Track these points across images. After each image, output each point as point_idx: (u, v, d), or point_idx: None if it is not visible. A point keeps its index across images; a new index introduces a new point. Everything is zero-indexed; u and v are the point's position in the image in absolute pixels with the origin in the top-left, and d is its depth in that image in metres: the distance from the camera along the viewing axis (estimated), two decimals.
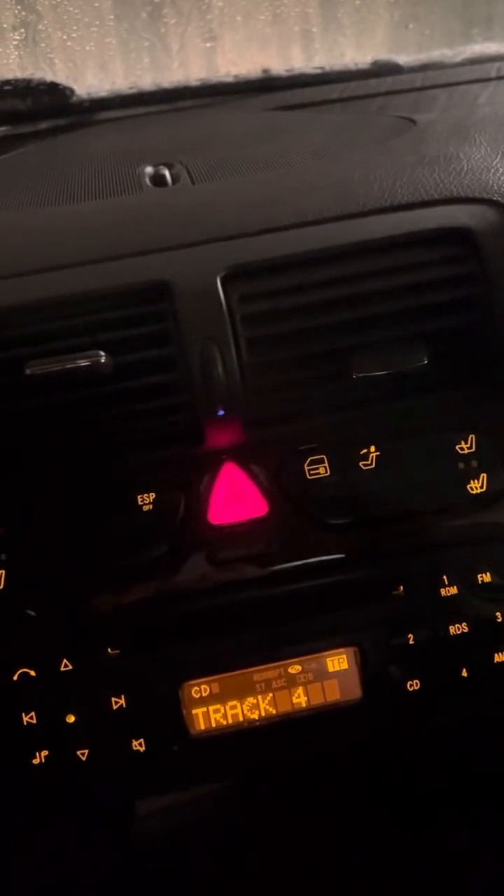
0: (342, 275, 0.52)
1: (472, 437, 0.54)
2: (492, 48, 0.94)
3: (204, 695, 0.53)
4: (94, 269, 0.53)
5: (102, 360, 0.49)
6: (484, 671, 0.54)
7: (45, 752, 0.51)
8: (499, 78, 0.84)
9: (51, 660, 0.52)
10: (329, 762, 0.58)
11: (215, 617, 0.53)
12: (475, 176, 0.57)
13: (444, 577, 0.54)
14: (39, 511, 0.52)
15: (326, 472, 0.53)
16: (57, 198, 0.64)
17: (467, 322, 0.52)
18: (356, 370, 0.52)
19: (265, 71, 0.93)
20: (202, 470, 0.53)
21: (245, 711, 0.53)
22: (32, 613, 0.52)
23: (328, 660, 0.53)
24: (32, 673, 0.52)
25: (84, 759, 0.51)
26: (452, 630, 0.53)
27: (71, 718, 0.51)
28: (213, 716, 0.53)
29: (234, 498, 0.53)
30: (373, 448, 0.53)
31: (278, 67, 0.93)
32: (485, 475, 0.54)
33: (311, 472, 0.53)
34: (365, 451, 0.53)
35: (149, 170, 0.67)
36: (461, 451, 0.54)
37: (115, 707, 0.52)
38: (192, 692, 0.53)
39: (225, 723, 0.53)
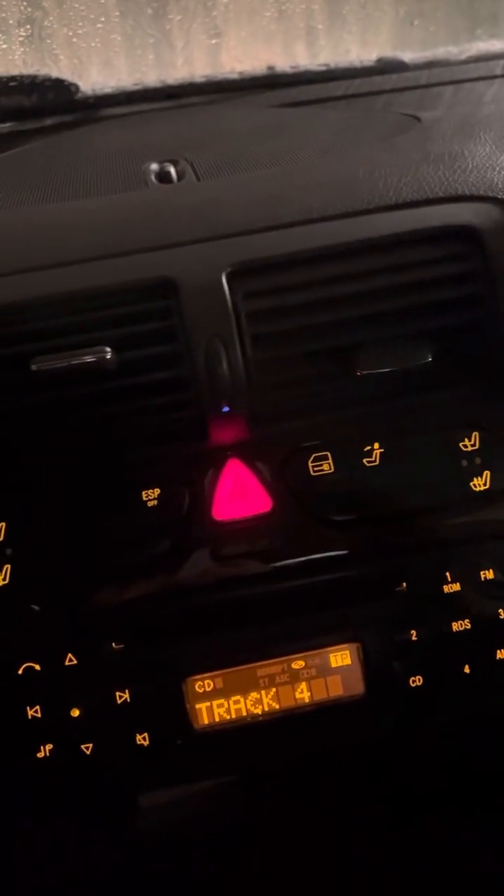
0: (347, 272, 0.52)
1: (475, 434, 0.54)
2: (497, 46, 0.95)
3: (207, 689, 0.53)
4: (100, 265, 0.53)
5: (108, 357, 0.50)
6: (486, 668, 0.54)
7: (49, 746, 0.52)
8: None
9: (55, 654, 0.52)
10: (331, 757, 0.59)
11: (219, 612, 0.54)
12: (480, 174, 0.57)
13: (448, 573, 0.54)
14: (44, 506, 0.52)
15: (330, 468, 0.53)
16: (62, 194, 0.64)
17: (472, 319, 0.53)
18: (360, 367, 0.52)
19: (270, 68, 0.93)
20: (206, 466, 0.53)
21: (248, 706, 0.53)
22: (37, 608, 0.52)
23: (331, 655, 0.54)
24: (37, 667, 0.52)
25: (88, 752, 0.52)
26: (455, 627, 0.54)
27: (75, 712, 0.52)
28: (216, 710, 0.53)
29: (239, 494, 0.53)
30: (377, 445, 0.54)
31: (283, 64, 0.93)
32: (488, 473, 0.54)
33: (315, 468, 0.53)
34: (369, 448, 0.54)
35: (154, 166, 0.67)
36: (465, 449, 0.54)
37: (119, 701, 0.52)
38: (196, 687, 0.53)
39: (228, 717, 0.53)
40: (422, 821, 0.62)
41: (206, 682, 0.53)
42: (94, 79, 0.94)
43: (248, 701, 0.53)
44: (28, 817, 0.57)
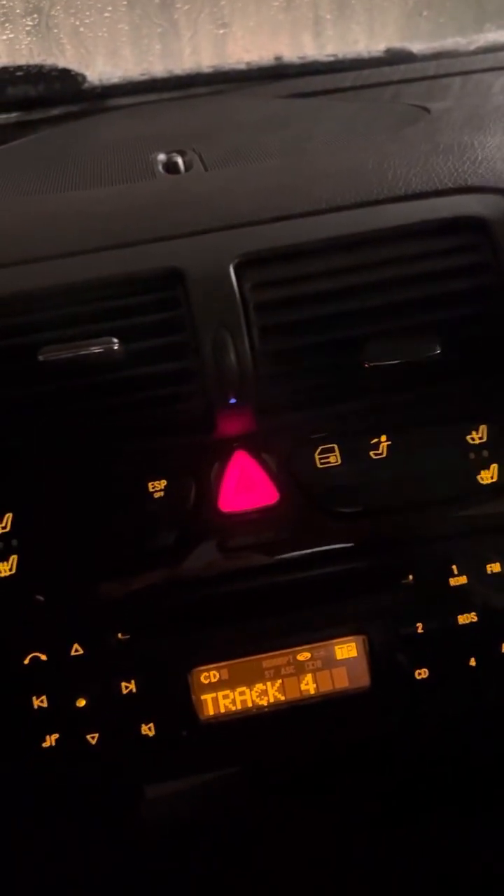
0: (355, 263, 0.52)
1: (483, 427, 0.54)
2: None
3: (213, 680, 0.53)
4: (107, 255, 0.53)
5: (115, 347, 0.50)
6: (492, 661, 0.54)
7: (55, 736, 0.52)
8: None
9: (62, 645, 0.52)
10: (336, 750, 0.59)
11: (225, 604, 0.54)
12: (490, 165, 0.57)
13: (454, 566, 0.54)
14: (50, 497, 0.52)
15: (337, 460, 0.53)
16: (69, 184, 0.64)
17: (480, 311, 0.52)
18: (368, 359, 0.52)
19: (278, 58, 0.92)
20: (213, 458, 0.53)
21: (254, 698, 0.53)
22: (43, 598, 0.52)
23: (337, 648, 0.54)
24: (43, 657, 0.52)
25: (94, 743, 0.52)
26: (461, 620, 0.53)
27: (81, 703, 0.52)
28: (221, 701, 0.53)
29: (245, 486, 0.53)
30: (384, 437, 0.53)
31: (291, 55, 0.92)
32: (496, 466, 0.54)
33: (322, 460, 0.53)
34: (376, 440, 0.53)
35: (161, 157, 0.67)
36: (472, 442, 0.54)
37: (125, 692, 0.52)
38: (202, 678, 0.53)
39: (234, 708, 0.53)
40: (426, 815, 0.62)
41: (211, 673, 0.53)
42: (100, 69, 0.93)
43: (253, 692, 0.53)
44: (33, 807, 0.57)
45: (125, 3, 1.01)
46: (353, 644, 0.54)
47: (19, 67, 0.87)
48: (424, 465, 0.54)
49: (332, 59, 0.91)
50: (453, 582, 0.54)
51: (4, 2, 0.98)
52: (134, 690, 0.52)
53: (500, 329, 0.53)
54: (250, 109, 0.80)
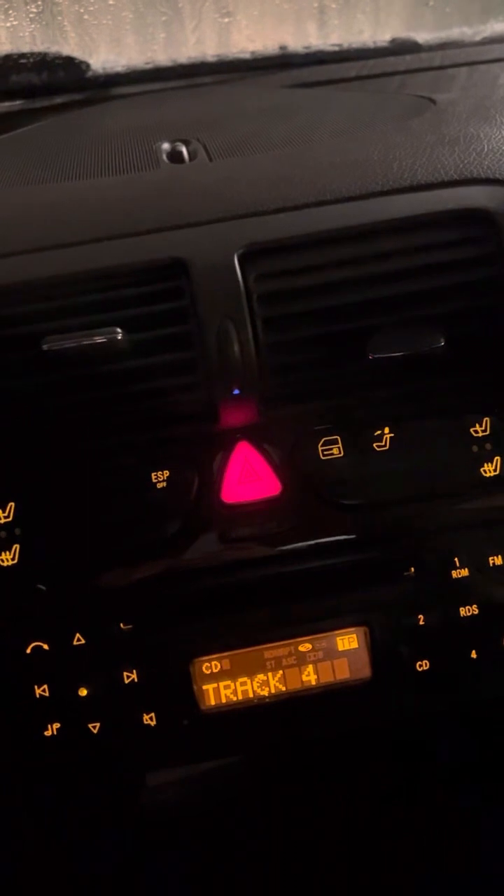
0: (360, 254, 0.52)
1: (486, 420, 0.54)
2: None
3: (214, 671, 0.53)
4: (111, 245, 0.53)
5: (119, 338, 0.50)
6: (493, 653, 0.54)
7: (56, 725, 0.52)
8: None
9: (64, 634, 0.52)
10: (337, 740, 0.59)
11: (227, 594, 0.54)
12: (496, 157, 0.56)
13: (456, 559, 0.54)
14: (53, 486, 0.52)
15: (340, 452, 0.53)
16: (73, 173, 0.64)
17: (485, 304, 0.52)
18: (372, 351, 0.51)
19: (282, 48, 0.92)
20: (216, 449, 0.53)
21: (255, 688, 0.53)
22: (45, 588, 0.52)
23: (338, 639, 0.54)
24: (45, 646, 0.52)
25: (95, 732, 0.52)
26: (463, 612, 0.54)
27: (83, 692, 0.52)
28: (223, 692, 0.53)
29: (248, 477, 0.53)
30: (387, 430, 0.53)
31: (295, 44, 0.92)
32: (499, 458, 0.53)
33: (325, 452, 0.53)
34: (379, 432, 0.53)
35: (165, 146, 0.67)
36: (476, 434, 0.54)
37: (126, 681, 0.52)
38: (203, 668, 0.53)
39: (235, 699, 0.53)
40: (425, 804, 0.63)
41: (213, 663, 0.53)
42: (104, 57, 0.92)
43: (254, 683, 0.53)
44: (34, 795, 0.57)
45: None
46: (355, 635, 0.54)
47: (23, 55, 0.87)
48: (427, 457, 0.53)
49: (336, 48, 0.90)
50: (455, 574, 0.54)
51: None
52: (136, 680, 0.52)
53: None
54: (255, 99, 0.80)
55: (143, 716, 0.52)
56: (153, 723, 0.52)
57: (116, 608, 0.53)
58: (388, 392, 0.54)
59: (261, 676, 0.53)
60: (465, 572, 0.54)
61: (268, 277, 0.51)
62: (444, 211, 0.53)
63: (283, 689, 0.53)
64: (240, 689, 0.53)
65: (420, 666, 0.54)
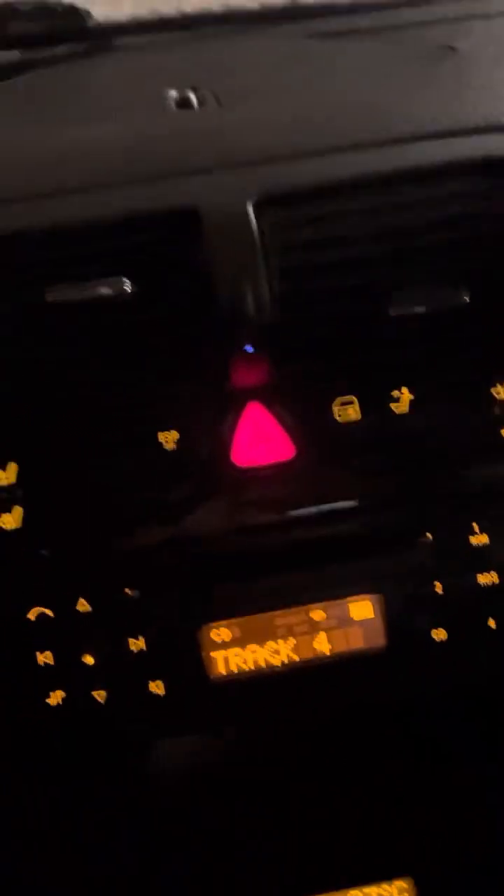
0: (380, 204, 0.49)
1: None
2: None
3: (224, 638, 0.52)
4: (117, 192, 0.50)
5: (126, 289, 0.47)
6: None
7: (61, 693, 0.51)
8: None
9: (68, 600, 0.51)
10: (350, 710, 0.58)
11: (237, 560, 0.52)
12: None
13: (475, 524, 0.52)
14: (57, 447, 0.50)
15: (356, 414, 0.51)
16: (77, 119, 0.61)
17: None
18: (393, 307, 0.49)
19: None
20: (227, 409, 0.51)
21: (266, 656, 0.52)
22: (49, 552, 0.51)
23: (352, 606, 0.52)
24: (49, 613, 0.51)
25: (101, 700, 0.51)
26: (481, 580, 0.52)
27: (89, 659, 0.50)
28: (232, 659, 0.52)
29: (260, 439, 0.51)
30: (405, 391, 0.51)
31: None
32: None
33: (341, 413, 0.51)
34: (397, 393, 0.51)
35: (173, 93, 0.64)
36: (498, 396, 0.52)
37: (133, 648, 0.51)
38: (212, 635, 0.51)
39: (245, 667, 0.52)
40: (440, 776, 0.62)
41: (222, 630, 0.52)
42: (106, 6, 0.89)
43: (265, 651, 0.52)
44: (38, 763, 0.56)
45: None
46: (369, 603, 0.52)
47: (21, 2, 0.83)
48: (447, 419, 0.52)
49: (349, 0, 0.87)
50: (474, 541, 0.52)
51: None
52: (143, 648, 0.51)
53: None
54: (266, 49, 0.77)
55: (150, 684, 0.51)
56: (161, 691, 0.51)
57: (122, 574, 0.51)
58: (407, 352, 0.52)
59: (271, 644, 0.52)
60: (484, 538, 0.52)
61: (284, 227, 0.49)
62: (469, 159, 0.50)
63: (295, 657, 0.52)
64: (250, 657, 0.52)
65: (436, 635, 0.52)
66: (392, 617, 0.52)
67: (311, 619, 0.52)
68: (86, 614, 0.51)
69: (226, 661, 0.52)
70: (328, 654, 0.52)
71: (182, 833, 0.60)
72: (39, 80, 0.73)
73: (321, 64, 0.69)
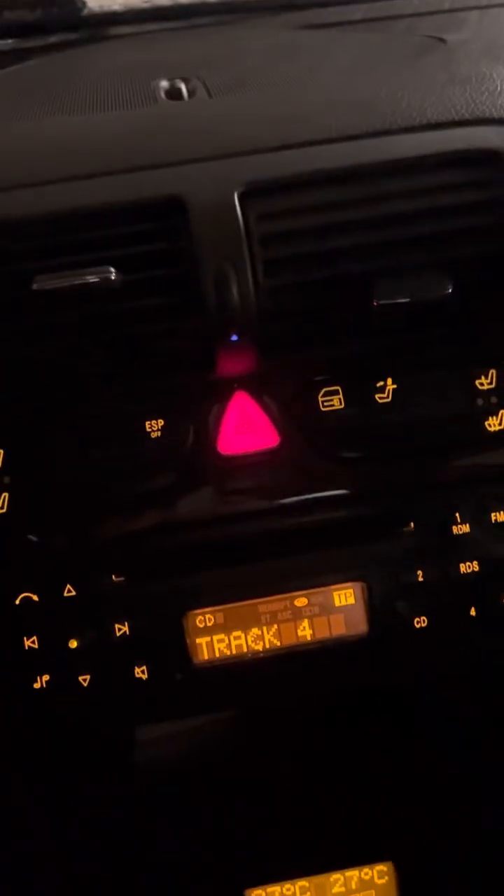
0: (366, 195, 0.49)
1: (492, 372, 0.52)
2: None
3: (208, 624, 0.52)
4: (106, 181, 0.50)
5: (112, 278, 0.47)
6: (493, 610, 0.53)
7: (46, 677, 0.51)
8: None
9: (54, 585, 0.51)
10: (332, 696, 0.58)
11: (222, 547, 0.52)
12: None
13: (457, 514, 0.53)
14: (44, 434, 0.51)
15: (341, 404, 0.52)
16: (66, 109, 0.61)
17: (496, 250, 0.50)
18: (377, 297, 0.49)
19: None
20: (213, 398, 0.51)
21: (249, 642, 0.52)
22: (36, 538, 0.51)
23: (335, 594, 0.53)
24: (35, 598, 0.51)
25: (86, 684, 0.51)
26: (463, 568, 0.53)
27: (74, 644, 0.51)
28: (216, 645, 0.52)
29: (245, 428, 0.51)
30: (389, 381, 0.52)
31: None
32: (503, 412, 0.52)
33: (325, 403, 0.52)
34: (381, 383, 0.52)
35: (164, 83, 0.64)
36: (481, 387, 0.52)
37: (118, 634, 0.51)
38: (197, 621, 0.52)
39: (228, 653, 0.52)
40: (422, 760, 0.62)
41: (206, 616, 0.52)
42: None
43: (249, 637, 0.52)
44: (24, 748, 0.57)
45: None
46: (352, 591, 0.53)
47: None
48: (430, 410, 0.52)
49: None
50: (456, 530, 0.53)
51: None
52: (127, 633, 0.51)
53: None
54: (257, 39, 0.77)
55: (134, 669, 0.51)
56: (145, 676, 0.51)
57: (108, 560, 0.52)
58: (391, 341, 0.52)
59: (255, 630, 0.52)
60: (465, 528, 0.53)
61: (269, 218, 0.49)
62: (454, 151, 0.50)
63: (278, 643, 0.53)
64: (234, 642, 0.52)
65: (418, 622, 0.53)
66: (374, 604, 0.53)
67: (294, 605, 0.53)
68: (71, 599, 0.51)
69: (210, 647, 0.52)
70: (311, 640, 0.53)
71: (164, 819, 0.61)
72: (32, 68, 0.73)
73: (312, 55, 0.69)
